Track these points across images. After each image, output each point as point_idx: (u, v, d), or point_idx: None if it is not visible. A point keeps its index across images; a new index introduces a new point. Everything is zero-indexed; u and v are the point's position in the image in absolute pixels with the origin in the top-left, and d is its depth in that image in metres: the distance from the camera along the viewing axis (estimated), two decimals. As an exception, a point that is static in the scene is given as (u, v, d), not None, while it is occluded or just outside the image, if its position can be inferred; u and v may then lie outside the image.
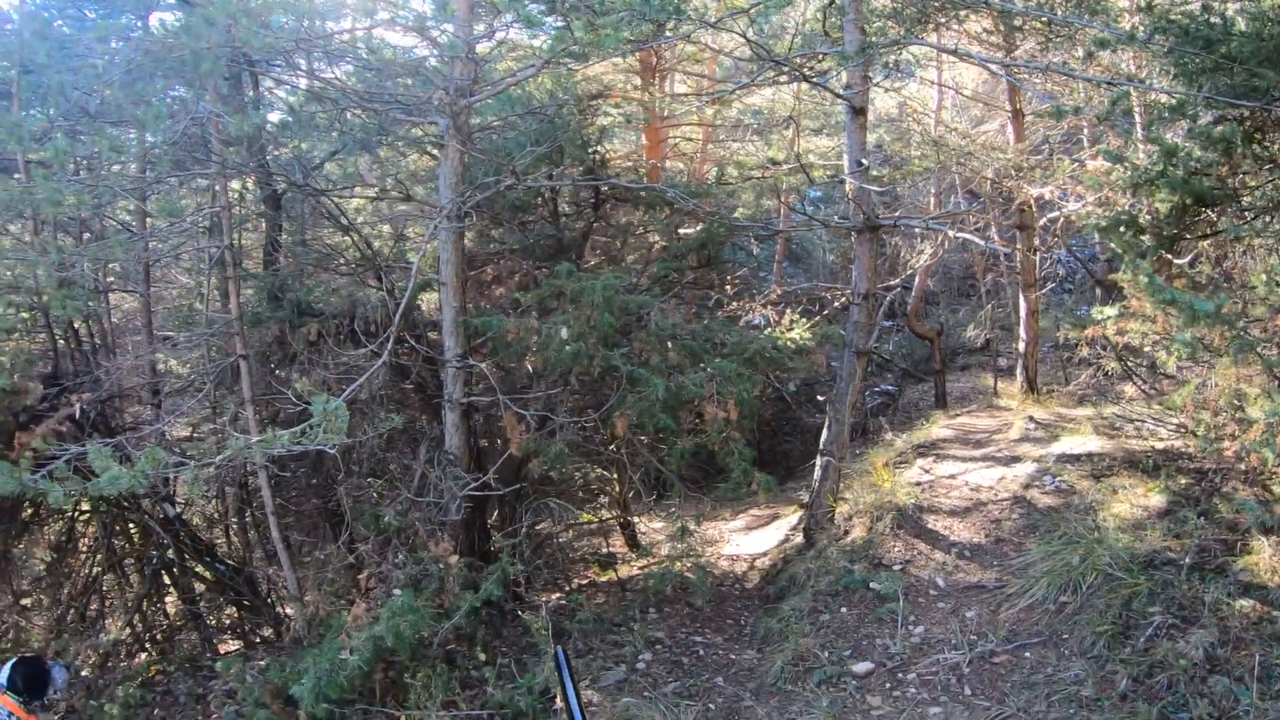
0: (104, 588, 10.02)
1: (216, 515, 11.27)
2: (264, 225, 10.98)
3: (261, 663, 8.63)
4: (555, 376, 8.55)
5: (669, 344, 8.43)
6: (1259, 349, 5.72)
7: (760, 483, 7.94)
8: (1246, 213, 6.58)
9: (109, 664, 9.30)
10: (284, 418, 8.90)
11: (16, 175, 8.91)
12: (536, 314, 8.56)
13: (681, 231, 11.04)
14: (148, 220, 10.72)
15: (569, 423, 8.37)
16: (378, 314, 9.05)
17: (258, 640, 10.21)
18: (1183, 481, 7.97)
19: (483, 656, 7.60)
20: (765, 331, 9.68)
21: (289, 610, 10.05)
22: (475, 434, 9.30)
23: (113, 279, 11.41)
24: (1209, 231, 7.16)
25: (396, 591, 7.24)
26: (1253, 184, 6.55)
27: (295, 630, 8.83)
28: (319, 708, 6.76)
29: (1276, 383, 5.85)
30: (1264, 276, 6.30)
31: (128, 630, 9.71)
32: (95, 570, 9.94)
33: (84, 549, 10.15)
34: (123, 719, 8.10)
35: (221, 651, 9.94)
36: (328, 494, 9.79)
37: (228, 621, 10.65)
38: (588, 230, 10.99)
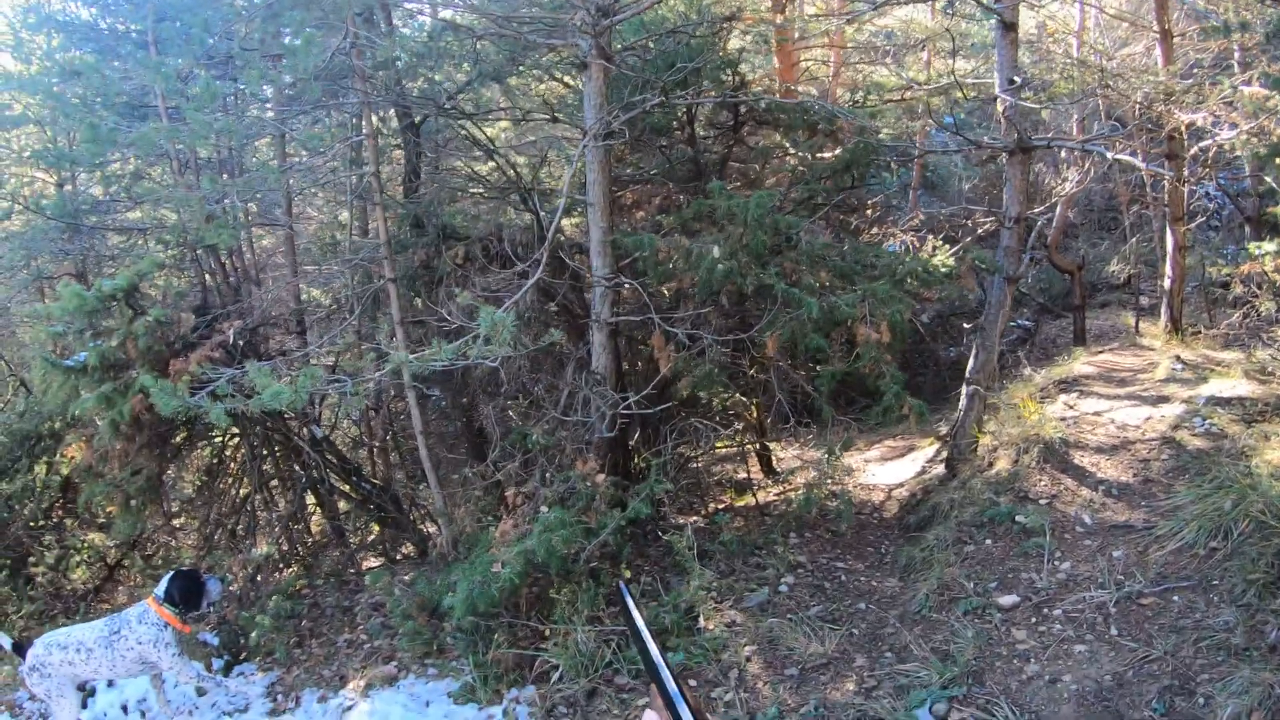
0: (252, 507, 10.43)
1: (361, 438, 11.66)
2: (403, 155, 11.18)
3: (406, 577, 8.96)
4: (704, 297, 8.60)
5: (819, 264, 8.40)
6: None
7: (913, 408, 7.91)
8: None
9: (258, 579, 9.74)
10: (433, 338, 9.12)
11: (158, 120, 9.24)
12: (681, 235, 8.58)
13: (821, 155, 10.92)
14: (287, 155, 11.01)
15: (718, 342, 8.42)
16: (524, 236, 9.20)
17: (399, 557, 10.60)
18: (1340, 430, 7.72)
19: (627, 574, 7.80)
20: (910, 256, 9.55)
21: (431, 528, 10.39)
22: (620, 355, 9.43)
23: (253, 216, 11.74)
24: None
25: (544, 509, 7.42)
26: None
27: (441, 546, 9.13)
28: (467, 620, 7.06)
29: None
30: None
31: (276, 547, 10.17)
32: (243, 491, 10.40)
33: (232, 471, 10.61)
34: (273, 629, 8.50)
35: (364, 567, 10.34)
36: (471, 416, 10.04)
37: (370, 539, 11.05)
38: (726, 153, 10.95)
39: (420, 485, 11.06)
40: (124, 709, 7.68)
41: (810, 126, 10.41)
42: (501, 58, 9.67)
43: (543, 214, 9.33)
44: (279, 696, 7.79)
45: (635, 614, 1.38)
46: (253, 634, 8.48)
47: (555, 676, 7.03)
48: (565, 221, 10.32)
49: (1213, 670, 5.81)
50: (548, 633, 7.32)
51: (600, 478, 7.77)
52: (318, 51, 7.53)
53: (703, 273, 7.85)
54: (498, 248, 9.16)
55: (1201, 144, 11.79)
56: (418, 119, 10.42)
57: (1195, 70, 13.34)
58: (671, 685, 1.26)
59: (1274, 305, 9.85)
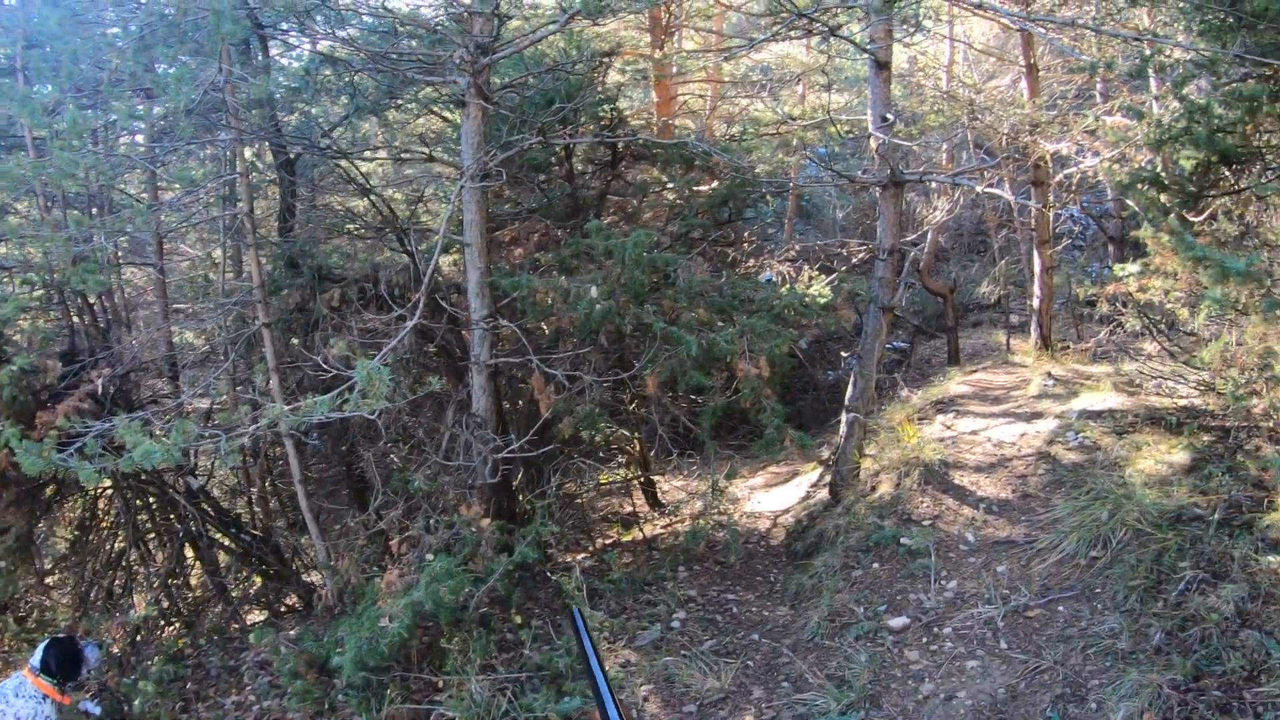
0: (129, 563, 9.96)
1: (239, 486, 11.27)
2: (278, 193, 10.92)
3: (291, 632, 8.67)
4: (583, 336, 8.52)
5: (698, 301, 8.41)
6: None
7: (795, 439, 7.93)
8: (1269, 170, 6.55)
9: (138, 639, 9.28)
10: (309, 384, 8.90)
11: (23, 153, 8.86)
12: (559, 273, 8.52)
13: (698, 189, 10.98)
14: (159, 191, 10.67)
15: (598, 382, 8.36)
16: (400, 277, 9.04)
17: (283, 609, 10.25)
18: (1206, 439, 7.97)
19: (518, 619, 7.64)
20: (786, 288, 9.63)
21: (315, 578, 10.09)
22: (501, 395, 9.30)
23: (123, 254, 11.34)
24: (1231, 189, 7.11)
25: (429, 556, 7.24)
26: (1276, 143, 6.52)
27: (326, 598, 8.85)
28: (358, 676, 6.80)
29: None
30: None
31: (155, 606, 9.70)
32: (119, 546, 9.91)
33: (106, 525, 10.10)
34: (157, 694, 8.10)
35: (248, 622, 9.97)
36: (351, 462, 9.80)
37: (253, 592, 10.67)
38: (605, 189, 10.92)
39: (303, 535, 10.74)
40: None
41: (687, 162, 10.45)
42: (380, 92, 9.53)
43: (419, 253, 9.17)
44: (169, 769, 7.45)
45: (586, 639, 1.32)
46: (136, 701, 8.04)
47: (453, 729, 6.84)
48: (443, 260, 10.15)
49: (1102, 676, 5.89)
50: (441, 684, 7.09)
51: (485, 522, 7.61)
52: (190, 85, 7.29)
53: (581, 313, 7.77)
54: (374, 290, 8.98)
55: (1066, 171, 12.24)
56: (293, 155, 10.20)
57: (1059, 102, 13.88)
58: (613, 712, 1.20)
59: (1139, 322, 10.19)
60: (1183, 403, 8.94)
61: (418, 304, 7.64)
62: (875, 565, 8.24)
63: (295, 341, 9.25)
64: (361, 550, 8.85)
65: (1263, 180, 6.51)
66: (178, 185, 9.51)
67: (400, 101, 10.28)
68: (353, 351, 6.73)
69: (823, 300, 8.72)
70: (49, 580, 10.45)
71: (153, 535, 10.21)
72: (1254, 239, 7.26)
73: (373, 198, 10.31)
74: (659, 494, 12.13)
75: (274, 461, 10.50)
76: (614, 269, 7.89)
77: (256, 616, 10.27)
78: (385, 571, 7.57)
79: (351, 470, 10.10)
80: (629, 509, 11.55)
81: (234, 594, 10.36)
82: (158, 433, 6.60)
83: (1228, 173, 6.89)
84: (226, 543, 10.20)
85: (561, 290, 7.89)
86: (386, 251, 10.50)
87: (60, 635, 6.81)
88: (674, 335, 7.72)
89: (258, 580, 10.53)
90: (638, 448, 11.46)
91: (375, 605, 7.00)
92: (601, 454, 10.62)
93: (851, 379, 10.11)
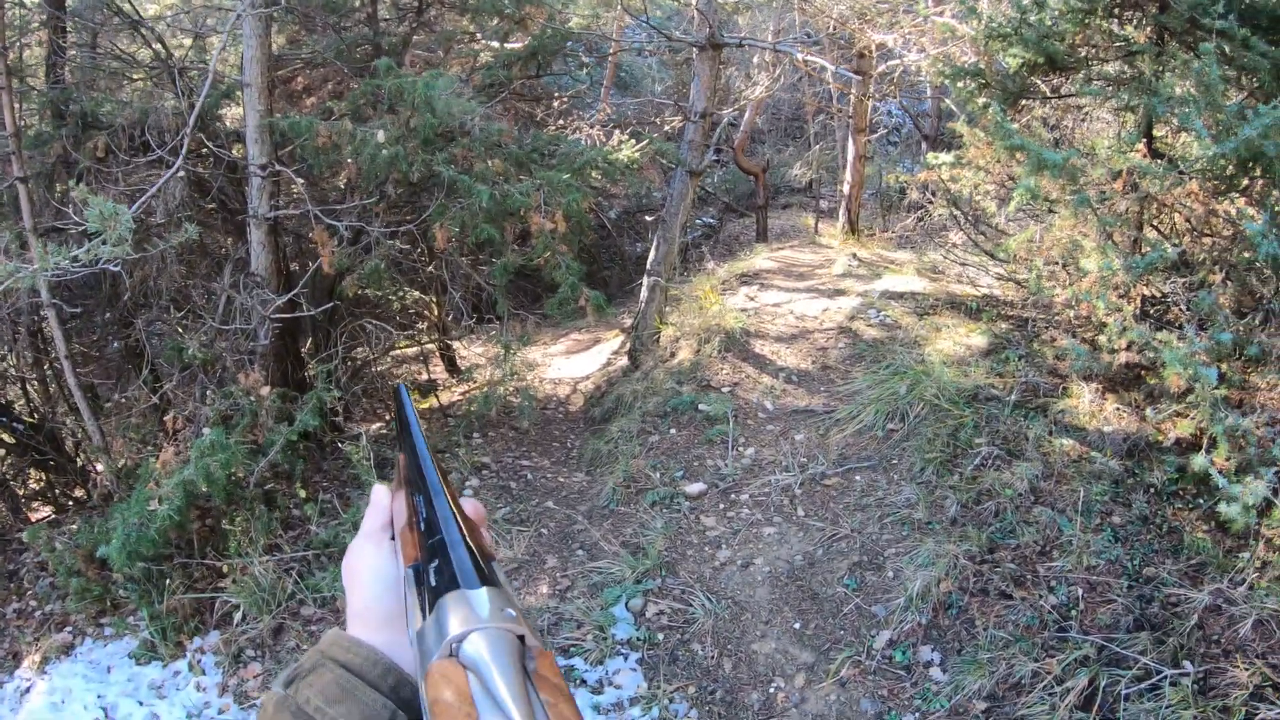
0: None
1: (10, 370, 10.30)
2: (46, 35, 9.83)
3: (73, 527, 7.99)
4: (370, 188, 7.95)
5: (494, 152, 7.93)
6: (1095, 208, 5.78)
7: (590, 299, 7.59)
8: (1092, 81, 6.59)
9: None
10: (73, 243, 8.07)
11: None
12: (351, 120, 7.90)
13: (508, 43, 10.42)
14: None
15: (384, 234, 7.83)
16: (173, 123, 8.22)
17: (69, 503, 9.44)
18: (1004, 326, 8.12)
19: (303, 494, 7.19)
20: (592, 148, 9.25)
21: (99, 466, 9.34)
22: (285, 255, 8.64)
23: None
24: (1051, 95, 7.22)
25: (206, 430, 6.68)
26: (1103, 57, 6.55)
27: (103, 486, 8.15)
28: (135, 567, 6.24)
29: (1110, 241, 5.91)
30: (1106, 143, 6.35)
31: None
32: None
33: None
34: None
35: (33, 520, 9.18)
36: (127, 331, 9.02)
37: (37, 487, 9.81)
38: (409, 36, 10.19)
39: (78, 417, 9.88)
40: None
41: (498, 12, 9.85)
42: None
43: (195, 98, 8.37)
44: (-50, 690, 6.81)
45: (413, 422, 1.01)
46: None
47: (238, 617, 6.42)
48: (230, 112, 9.35)
49: (899, 545, 5.92)
50: (225, 569, 6.62)
51: (265, 391, 7.04)
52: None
53: (366, 159, 7.19)
54: (141, 137, 8.15)
55: (889, 63, 12.22)
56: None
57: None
58: (430, 464, 0.91)
59: (946, 212, 10.33)
60: (984, 292, 9.09)
61: (181, 148, 6.91)
62: (673, 431, 8.12)
63: (59, 199, 8.36)
64: (138, 429, 8.18)
65: (1085, 88, 6.54)
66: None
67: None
68: (94, 196, 6.00)
69: (628, 160, 8.33)
70: None
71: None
72: (1066, 146, 7.33)
73: (143, 31, 9.34)
74: (458, 361, 11.79)
75: (50, 342, 9.60)
76: (404, 113, 7.34)
77: (44, 513, 9.49)
78: (161, 451, 6.97)
79: (128, 343, 9.31)
80: (426, 377, 11.16)
81: (16, 491, 9.50)
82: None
83: (1049, 79, 6.94)
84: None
85: (347, 134, 7.28)
86: (167, 98, 9.59)
87: None
88: (465, 184, 7.23)
89: (40, 474, 9.67)
90: (436, 313, 11.03)
91: (149, 487, 6.40)
92: (398, 319, 10.15)
93: (654, 243, 9.91)
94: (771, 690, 5.18)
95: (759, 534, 6.40)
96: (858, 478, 6.74)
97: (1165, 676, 4.36)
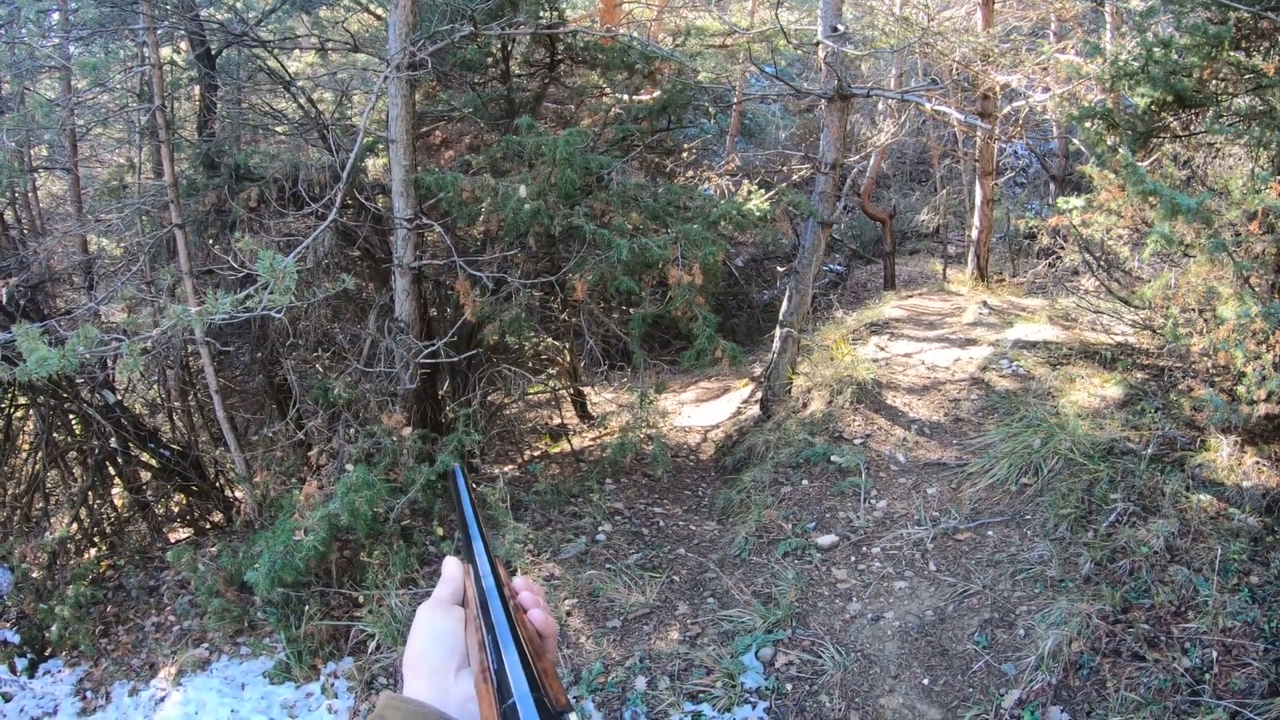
0: (47, 485, 9.59)
1: (159, 400, 10.85)
2: (197, 90, 10.39)
3: (213, 549, 8.38)
4: (511, 239, 8.21)
5: (631, 205, 8.12)
6: (1231, 252, 5.65)
7: (726, 351, 7.71)
8: (1222, 118, 6.46)
9: (57, 563, 8.90)
10: (225, 287, 8.48)
11: None
12: (490, 175, 8.17)
13: (638, 97, 10.64)
14: (72, 87, 10.11)
15: (525, 285, 8.07)
16: (322, 176, 8.61)
17: (208, 526, 9.92)
18: (1140, 376, 7.96)
19: (440, 531, 7.44)
20: (724, 199, 9.39)
21: (239, 493, 9.76)
22: (426, 301, 8.97)
23: (38, 162, 10.79)
24: (1182, 133, 7.05)
25: (349, 467, 6.96)
26: (1232, 91, 6.42)
27: (246, 513, 8.54)
28: (275, 592, 6.55)
29: (1247, 286, 5.77)
30: (1240, 182, 6.22)
31: (74, 526, 9.31)
32: (36, 467, 9.48)
33: (23, 446, 9.74)
34: (75, 620, 7.80)
35: (171, 540, 9.64)
36: (273, 370, 9.43)
37: (176, 509, 10.31)
38: (541, 92, 10.50)
39: (223, 447, 10.37)
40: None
41: (629, 67, 10.08)
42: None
43: (343, 153, 8.76)
44: (88, 693, 7.21)
45: (465, 493, 1.12)
46: (54, 627, 7.75)
47: (372, 646, 6.66)
48: (372, 164, 9.75)
49: (1031, 602, 5.84)
50: (361, 599, 6.91)
51: (406, 431, 7.34)
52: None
53: (508, 213, 7.44)
54: (291, 189, 8.55)
55: (1014, 104, 12.11)
56: (212, 47, 9.65)
57: (1013, 35, 13.69)
58: (481, 548, 1.02)
59: (1078, 258, 10.16)
60: (1118, 339, 8.91)
61: (334, 201, 7.26)
62: (805, 482, 8.14)
63: (215, 246, 8.81)
64: (281, 462, 8.56)
65: (1214, 126, 6.41)
66: (92, 84, 9.01)
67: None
68: (259, 248, 6.32)
69: (760, 212, 8.44)
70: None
71: (72, 454, 9.84)
72: (1199, 185, 7.19)
73: (294, 90, 9.81)
74: (589, 406, 11.97)
75: (196, 374, 10.11)
76: (544, 168, 7.57)
77: (181, 534, 9.95)
78: (305, 484, 7.29)
79: (273, 380, 9.73)
80: (558, 421, 11.36)
81: (158, 511, 10.01)
82: (63, 341, 6.20)
83: (1179, 116, 6.81)
84: (147, 459, 9.80)
85: (489, 189, 7.54)
86: (313, 152, 10.03)
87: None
88: (604, 238, 7.43)
89: (181, 498, 10.17)
90: (568, 358, 11.25)
91: (293, 518, 6.72)
92: (532, 364, 10.38)
93: (787, 294, 9.97)
94: (901, 746, 5.19)
95: (890, 588, 6.39)
96: (990, 533, 6.68)
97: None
